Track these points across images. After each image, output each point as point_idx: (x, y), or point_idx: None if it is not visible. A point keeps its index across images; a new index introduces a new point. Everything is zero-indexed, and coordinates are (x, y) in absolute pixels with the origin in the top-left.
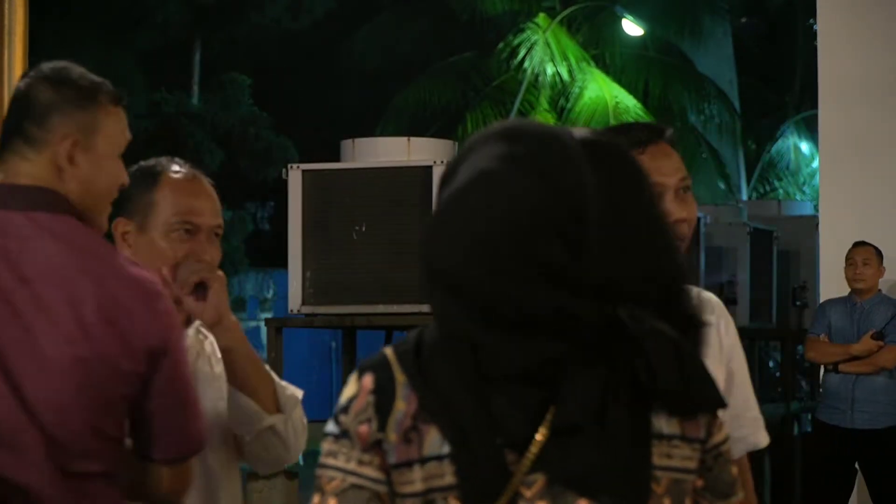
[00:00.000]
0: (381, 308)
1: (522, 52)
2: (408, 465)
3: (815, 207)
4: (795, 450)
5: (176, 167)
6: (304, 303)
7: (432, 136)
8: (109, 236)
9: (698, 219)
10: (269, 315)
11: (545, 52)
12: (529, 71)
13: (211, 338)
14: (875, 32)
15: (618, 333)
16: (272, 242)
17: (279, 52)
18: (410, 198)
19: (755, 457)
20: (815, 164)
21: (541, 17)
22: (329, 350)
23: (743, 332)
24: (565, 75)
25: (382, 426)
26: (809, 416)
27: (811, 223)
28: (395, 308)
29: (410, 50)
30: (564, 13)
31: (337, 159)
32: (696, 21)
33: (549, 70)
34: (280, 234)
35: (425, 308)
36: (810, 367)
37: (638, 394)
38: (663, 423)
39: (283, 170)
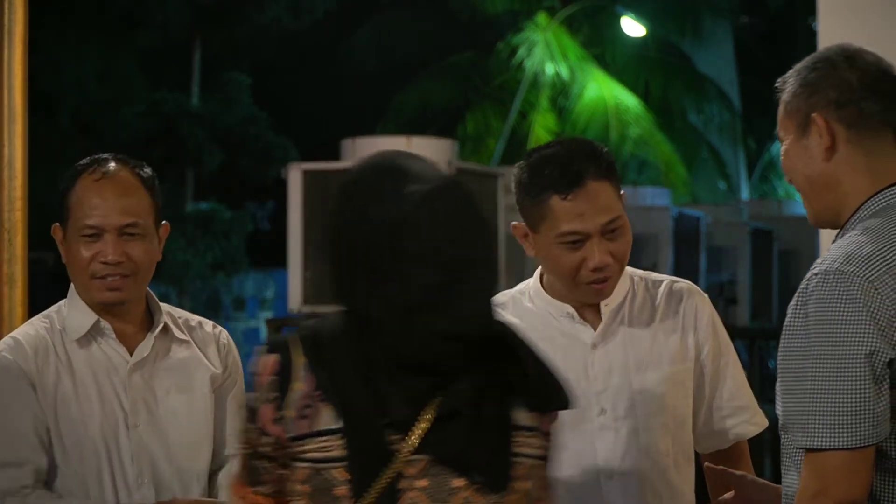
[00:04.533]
0: None
1: (522, 53)
2: (302, 438)
3: None
4: None
5: (94, 166)
6: (304, 302)
7: (432, 136)
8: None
9: (698, 219)
10: (269, 315)
11: (545, 52)
12: (530, 71)
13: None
14: (875, 32)
15: (496, 339)
16: (272, 242)
17: (279, 52)
18: None
19: (755, 455)
20: None
21: (541, 17)
22: None
23: (743, 332)
24: (565, 75)
25: (283, 404)
26: None
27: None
28: None
29: (410, 50)
30: (564, 13)
31: (337, 159)
32: (696, 21)
33: (550, 70)
34: (280, 233)
35: None
36: None
37: (506, 391)
38: (523, 417)
39: (283, 170)
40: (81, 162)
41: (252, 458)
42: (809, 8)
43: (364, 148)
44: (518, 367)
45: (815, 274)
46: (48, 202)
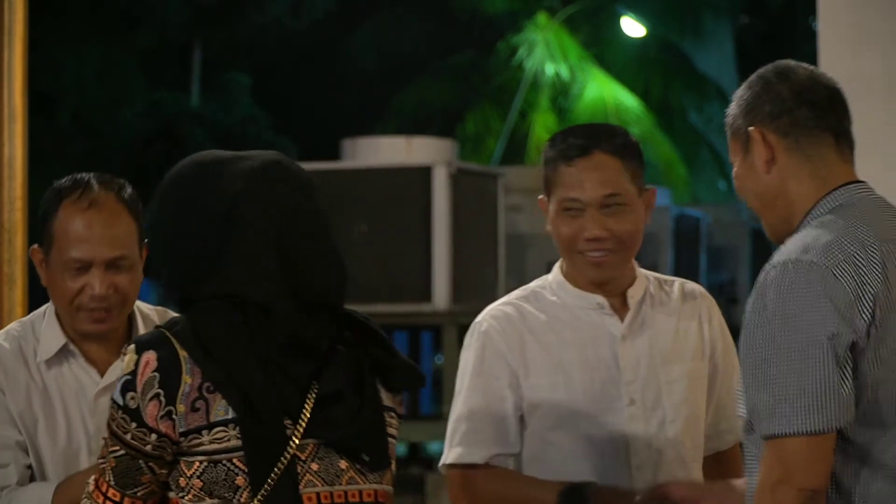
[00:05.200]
0: (380, 308)
1: (522, 53)
2: (197, 431)
3: None
4: None
5: (78, 191)
6: None
7: (432, 136)
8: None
9: (698, 219)
10: None
11: (545, 52)
12: (530, 71)
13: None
14: (875, 32)
15: (358, 321)
16: None
17: (279, 52)
18: (410, 197)
19: None
20: None
21: (541, 17)
22: None
23: None
24: (565, 75)
25: (171, 400)
26: None
27: None
28: (394, 308)
29: (410, 50)
30: (565, 13)
31: (337, 159)
32: (696, 21)
33: (550, 70)
34: None
35: (426, 307)
36: None
37: (376, 373)
38: (385, 399)
39: None
40: (62, 183)
41: (132, 460)
42: (809, 8)
43: (364, 148)
44: (384, 348)
45: (773, 266)
46: None
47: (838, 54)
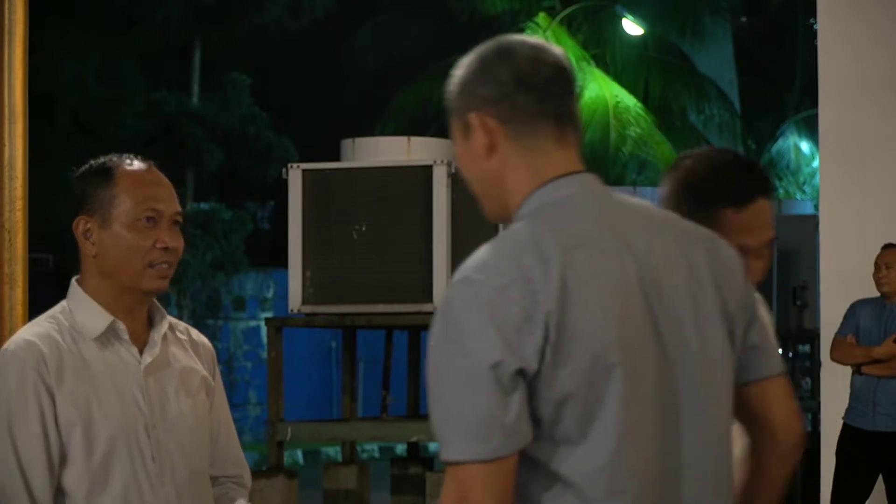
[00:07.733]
0: (381, 308)
1: None
2: None
3: (815, 207)
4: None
5: (128, 160)
6: (304, 302)
7: (432, 136)
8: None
9: None
10: (269, 315)
11: None
12: None
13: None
14: (875, 32)
15: None
16: (272, 242)
17: (279, 52)
18: (410, 197)
19: None
20: (816, 163)
21: (541, 17)
22: (329, 350)
23: None
24: None
25: None
26: (810, 416)
27: (811, 223)
28: (395, 308)
29: (410, 50)
30: (564, 13)
31: (337, 159)
32: (696, 21)
33: None
34: (280, 233)
35: (426, 307)
36: (811, 366)
37: None
38: None
39: (283, 170)
40: (107, 158)
41: None
42: (809, 8)
43: (364, 148)
44: None
45: (452, 282)
46: (48, 202)
47: (838, 54)
